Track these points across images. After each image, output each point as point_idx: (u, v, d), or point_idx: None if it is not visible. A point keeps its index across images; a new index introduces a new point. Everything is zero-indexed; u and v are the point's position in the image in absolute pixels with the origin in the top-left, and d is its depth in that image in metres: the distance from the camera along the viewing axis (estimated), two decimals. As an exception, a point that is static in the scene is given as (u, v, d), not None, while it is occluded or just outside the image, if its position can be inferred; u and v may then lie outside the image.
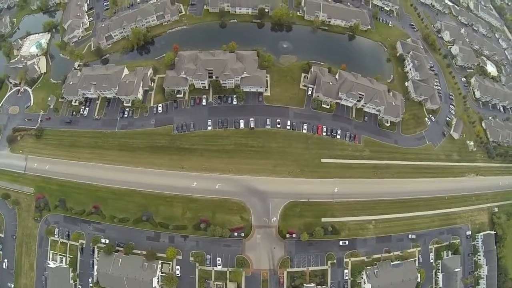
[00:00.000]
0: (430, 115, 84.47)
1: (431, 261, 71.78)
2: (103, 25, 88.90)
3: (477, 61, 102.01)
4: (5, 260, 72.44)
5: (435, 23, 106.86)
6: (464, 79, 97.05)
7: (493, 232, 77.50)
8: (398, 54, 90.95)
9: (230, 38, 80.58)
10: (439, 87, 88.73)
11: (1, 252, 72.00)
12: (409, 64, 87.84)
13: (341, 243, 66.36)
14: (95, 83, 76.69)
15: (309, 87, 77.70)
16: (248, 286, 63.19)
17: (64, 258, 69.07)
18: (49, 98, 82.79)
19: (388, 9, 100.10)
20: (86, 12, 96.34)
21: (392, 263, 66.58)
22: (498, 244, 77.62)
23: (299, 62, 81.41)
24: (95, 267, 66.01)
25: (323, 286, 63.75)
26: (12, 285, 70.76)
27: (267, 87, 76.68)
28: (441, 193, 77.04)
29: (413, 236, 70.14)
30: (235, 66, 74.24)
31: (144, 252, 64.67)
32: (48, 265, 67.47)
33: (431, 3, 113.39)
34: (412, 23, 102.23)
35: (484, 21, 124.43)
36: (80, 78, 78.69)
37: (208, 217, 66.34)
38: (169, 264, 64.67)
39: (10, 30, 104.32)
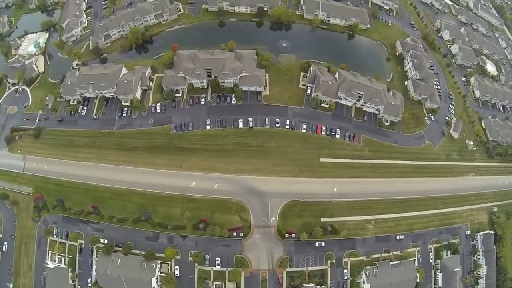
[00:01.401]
0: (430, 115, 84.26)
1: (431, 260, 71.77)
2: (101, 24, 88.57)
3: (477, 60, 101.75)
4: (5, 243, 71.99)
5: (434, 22, 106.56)
6: (464, 78, 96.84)
7: (492, 232, 77.45)
8: (397, 53, 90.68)
9: (229, 37, 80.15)
10: (438, 86, 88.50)
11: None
12: (408, 63, 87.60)
13: (317, 244, 65.08)
14: (93, 82, 76.30)
15: (308, 86, 77.43)
16: (247, 286, 63.05)
17: (63, 258, 68.79)
18: (47, 98, 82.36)
19: (387, 8, 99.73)
20: (84, 11, 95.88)
21: (391, 263, 66.52)
22: (498, 243, 77.63)
23: (298, 61, 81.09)
24: (94, 267, 65.86)
25: (322, 286, 63.57)
26: (11, 285, 70.48)
27: (266, 86, 76.39)
28: (440, 193, 76.99)
29: (401, 237, 69.64)
30: (234, 65, 73.87)
31: (143, 252, 64.51)
32: (47, 265, 67.17)
33: (431, 2, 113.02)
34: (412, 22, 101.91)
35: (483, 20, 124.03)
36: (78, 77, 78.29)
37: (207, 217, 66.17)
38: (168, 264, 64.49)
39: (8, 29, 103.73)
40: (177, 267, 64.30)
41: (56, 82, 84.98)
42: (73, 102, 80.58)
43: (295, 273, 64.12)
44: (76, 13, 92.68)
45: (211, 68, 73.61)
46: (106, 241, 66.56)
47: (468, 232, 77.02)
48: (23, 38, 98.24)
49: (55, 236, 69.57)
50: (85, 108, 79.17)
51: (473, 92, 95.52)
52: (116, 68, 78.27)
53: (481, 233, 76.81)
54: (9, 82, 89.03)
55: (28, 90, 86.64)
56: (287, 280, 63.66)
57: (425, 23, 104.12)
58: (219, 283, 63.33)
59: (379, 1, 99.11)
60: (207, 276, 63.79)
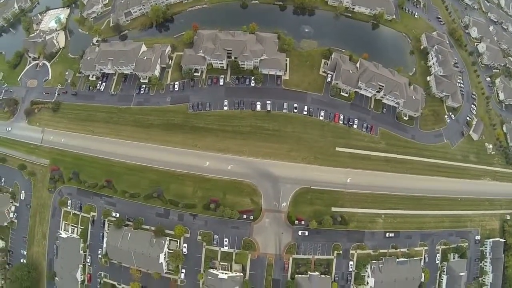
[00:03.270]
0: (450, 113, 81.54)
1: (437, 262, 70.68)
2: (122, 1, 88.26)
3: (504, 62, 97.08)
4: (22, 192, 75.07)
5: (463, 17, 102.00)
6: (489, 79, 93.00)
7: (502, 240, 75.40)
8: (422, 47, 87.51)
9: (251, 19, 78.90)
10: (462, 85, 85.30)
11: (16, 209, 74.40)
12: (432, 58, 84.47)
13: (299, 232, 63.90)
14: (112, 58, 76.72)
15: (328, 73, 75.94)
16: (253, 269, 63.65)
17: (75, 229, 70.98)
18: (67, 73, 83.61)
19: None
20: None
21: (397, 259, 65.72)
22: (506, 252, 75.48)
23: (320, 47, 79.45)
24: (105, 239, 67.64)
25: (327, 276, 63.56)
26: (25, 252, 73.57)
27: (286, 70, 75.23)
28: (454, 194, 75.17)
29: (391, 235, 67.76)
30: (254, 48, 72.89)
31: (153, 228, 65.67)
32: (60, 235, 69.46)
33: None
34: (439, 16, 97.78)
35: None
36: (98, 53, 78.86)
37: (218, 197, 66.59)
38: (177, 241, 65.58)
39: (30, 5, 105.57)
40: (185, 244, 65.34)
41: (76, 57, 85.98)
42: (92, 77, 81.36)
43: (301, 260, 64.30)
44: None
45: (232, 49, 72.78)
46: (118, 215, 68.08)
47: (478, 237, 75.23)
48: (44, 14, 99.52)
49: (69, 207, 71.65)
50: (104, 83, 79.90)
51: (497, 94, 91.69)
52: (136, 45, 78.27)
53: (491, 239, 74.94)
54: (30, 57, 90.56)
55: (48, 64, 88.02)
56: (293, 267, 63.88)
57: (453, 18, 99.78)
58: (226, 263, 64.13)
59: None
60: (214, 256, 64.64)
